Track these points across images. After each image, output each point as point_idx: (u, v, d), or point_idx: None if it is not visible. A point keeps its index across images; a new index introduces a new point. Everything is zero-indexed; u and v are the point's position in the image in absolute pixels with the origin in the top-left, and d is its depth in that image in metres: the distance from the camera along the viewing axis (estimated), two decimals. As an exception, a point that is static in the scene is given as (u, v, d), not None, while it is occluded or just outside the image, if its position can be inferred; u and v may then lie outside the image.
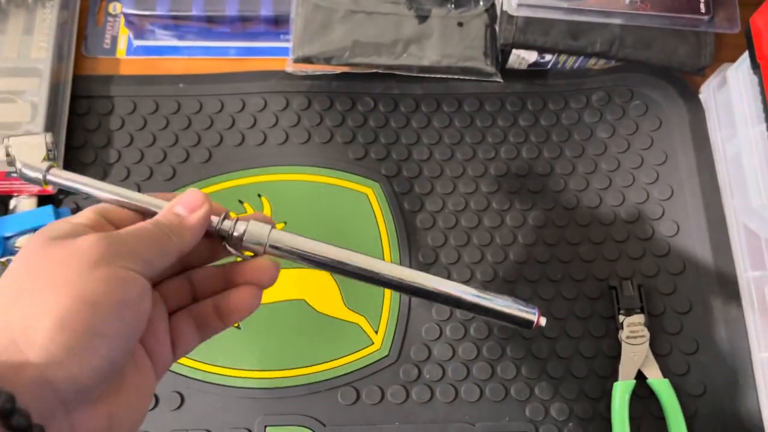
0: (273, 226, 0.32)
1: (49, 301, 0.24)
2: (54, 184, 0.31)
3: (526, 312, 0.31)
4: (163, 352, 0.30)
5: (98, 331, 0.24)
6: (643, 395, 0.47)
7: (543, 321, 0.32)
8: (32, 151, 0.32)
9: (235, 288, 0.32)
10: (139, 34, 0.55)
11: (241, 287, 0.32)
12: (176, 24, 0.54)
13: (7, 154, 0.32)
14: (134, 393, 0.27)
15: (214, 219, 0.31)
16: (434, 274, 0.48)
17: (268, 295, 0.50)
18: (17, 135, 0.33)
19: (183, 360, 0.48)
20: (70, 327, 0.24)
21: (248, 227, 0.31)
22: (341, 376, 0.48)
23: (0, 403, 0.21)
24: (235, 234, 0.31)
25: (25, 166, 0.31)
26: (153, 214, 0.31)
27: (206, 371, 0.48)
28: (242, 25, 0.55)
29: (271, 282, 0.32)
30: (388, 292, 0.50)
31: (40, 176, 0.31)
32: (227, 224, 0.31)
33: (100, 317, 0.24)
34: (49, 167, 0.31)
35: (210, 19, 0.54)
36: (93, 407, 0.25)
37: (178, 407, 0.47)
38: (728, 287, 0.49)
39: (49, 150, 0.32)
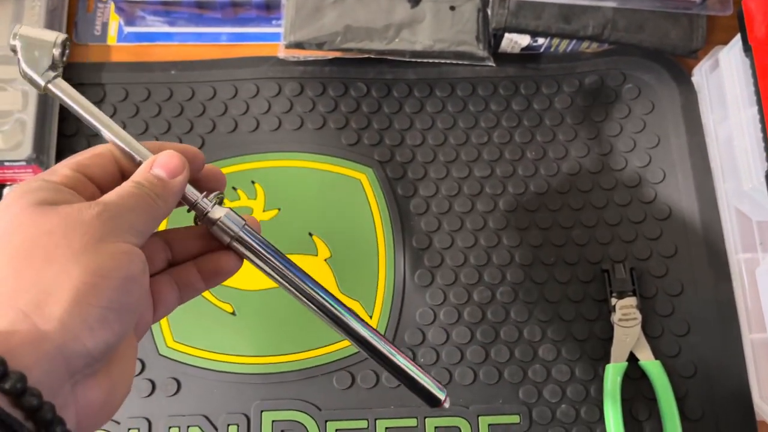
0: (245, 224, 0.31)
1: (61, 275, 0.24)
2: (53, 95, 0.30)
3: (436, 389, 0.32)
4: (144, 315, 0.30)
5: (111, 305, 0.24)
6: (634, 377, 0.48)
7: (446, 404, 0.32)
8: (41, 51, 0.29)
9: (221, 251, 0.32)
10: (130, 20, 0.55)
11: (225, 250, 0.32)
12: (167, 10, 0.54)
13: (14, 51, 0.29)
14: (125, 360, 0.27)
15: (194, 192, 0.30)
16: (428, 259, 0.50)
17: (262, 282, 0.50)
18: (31, 27, 0.30)
19: (179, 346, 0.48)
20: (87, 301, 0.24)
21: (223, 218, 0.30)
22: (336, 360, 0.48)
23: (11, 384, 0.21)
24: (209, 216, 0.30)
25: (30, 67, 0.29)
26: (135, 162, 0.30)
27: (202, 357, 0.48)
28: (233, 10, 0.54)
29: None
30: (382, 277, 0.50)
31: (42, 83, 0.29)
32: (205, 202, 0.31)
33: (112, 292, 0.25)
34: (55, 76, 0.29)
35: (201, 5, 0.54)
36: (95, 380, 0.25)
37: (175, 393, 0.47)
38: (719, 269, 0.50)
39: (57, 56, 0.29)
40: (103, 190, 0.29)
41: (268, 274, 0.31)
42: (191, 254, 0.32)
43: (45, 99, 0.51)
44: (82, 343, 0.23)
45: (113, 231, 0.26)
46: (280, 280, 0.31)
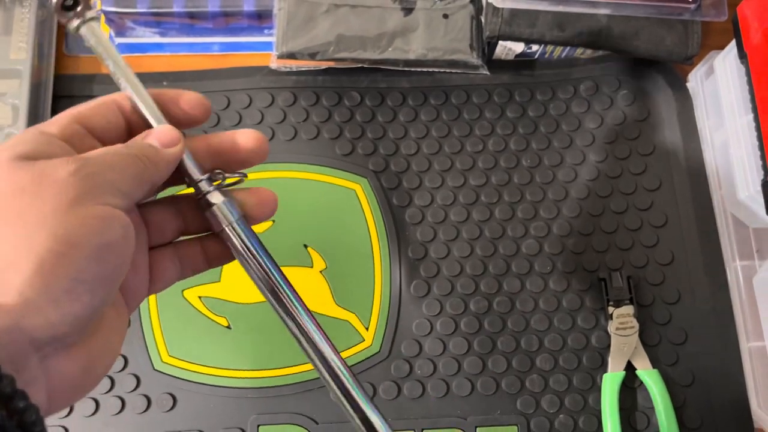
0: (240, 217, 0.30)
1: (24, 242, 0.22)
2: (83, 37, 0.29)
3: None
4: (139, 288, 0.29)
5: (80, 276, 0.23)
6: (632, 386, 0.48)
7: None
8: None
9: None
10: (120, 31, 0.55)
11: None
12: (157, 21, 0.53)
13: None
14: (109, 333, 0.26)
15: (195, 171, 0.29)
16: (424, 270, 0.50)
17: (257, 295, 0.49)
18: None
19: (174, 361, 0.48)
20: (50, 271, 0.22)
21: (216, 207, 0.29)
22: (333, 373, 0.48)
23: None
24: (207, 198, 0.29)
25: (62, 5, 0.29)
26: (145, 122, 0.29)
27: (198, 372, 0.48)
28: (225, 20, 0.54)
29: (267, 217, 0.31)
30: (378, 288, 0.50)
31: (75, 24, 0.29)
32: (204, 185, 0.29)
33: (83, 261, 0.23)
34: (89, 19, 0.29)
35: (192, 15, 0.53)
36: (69, 353, 0.23)
37: (171, 409, 0.47)
38: (716, 277, 0.50)
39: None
40: (105, 143, 0.28)
41: (253, 279, 0.30)
42: (204, 226, 0.31)
43: (36, 113, 0.51)
44: (45, 317, 0.22)
45: (91, 191, 0.24)
46: (263, 288, 0.30)
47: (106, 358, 0.26)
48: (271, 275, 0.30)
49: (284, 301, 0.30)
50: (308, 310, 0.30)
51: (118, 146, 0.27)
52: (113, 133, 0.28)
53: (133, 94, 0.29)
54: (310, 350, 0.30)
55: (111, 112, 0.28)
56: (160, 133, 0.28)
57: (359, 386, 0.30)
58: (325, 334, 0.30)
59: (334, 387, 0.29)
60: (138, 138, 0.28)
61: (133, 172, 0.26)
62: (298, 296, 0.30)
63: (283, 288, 0.30)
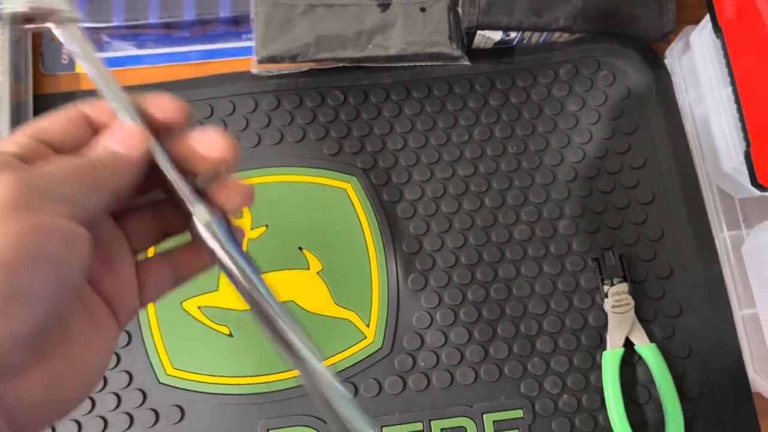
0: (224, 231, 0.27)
1: None
2: (61, 37, 0.26)
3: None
4: (126, 297, 0.27)
5: (15, 291, 0.21)
6: (632, 361, 0.49)
7: None
8: None
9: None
10: (97, 46, 0.54)
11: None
12: (134, 33, 0.53)
13: None
14: (84, 349, 0.24)
15: (178, 181, 0.27)
16: (420, 263, 0.50)
17: (257, 300, 0.50)
18: None
19: (179, 373, 0.48)
20: None
21: (198, 222, 0.27)
22: (338, 372, 0.48)
23: None
24: (194, 219, 0.27)
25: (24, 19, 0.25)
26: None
27: (203, 382, 0.48)
28: (201, 28, 0.54)
29: (241, 206, 0.28)
30: (375, 285, 0.50)
31: (50, 23, 0.25)
32: (187, 196, 0.27)
33: (16, 276, 0.21)
34: (69, 19, 0.25)
35: (168, 26, 0.53)
36: (24, 375, 0.22)
37: (179, 421, 0.47)
38: (706, 248, 0.51)
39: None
40: None
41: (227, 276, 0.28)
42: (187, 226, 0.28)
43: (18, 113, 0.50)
44: None
45: (29, 202, 0.22)
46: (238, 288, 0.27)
47: (81, 377, 0.25)
48: (245, 285, 0.27)
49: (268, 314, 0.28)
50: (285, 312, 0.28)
51: (72, 155, 0.25)
52: (79, 146, 0.26)
53: (107, 97, 0.26)
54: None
55: (74, 124, 0.27)
56: (118, 134, 0.26)
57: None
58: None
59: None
60: (99, 139, 0.26)
61: (87, 182, 0.24)
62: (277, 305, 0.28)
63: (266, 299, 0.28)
